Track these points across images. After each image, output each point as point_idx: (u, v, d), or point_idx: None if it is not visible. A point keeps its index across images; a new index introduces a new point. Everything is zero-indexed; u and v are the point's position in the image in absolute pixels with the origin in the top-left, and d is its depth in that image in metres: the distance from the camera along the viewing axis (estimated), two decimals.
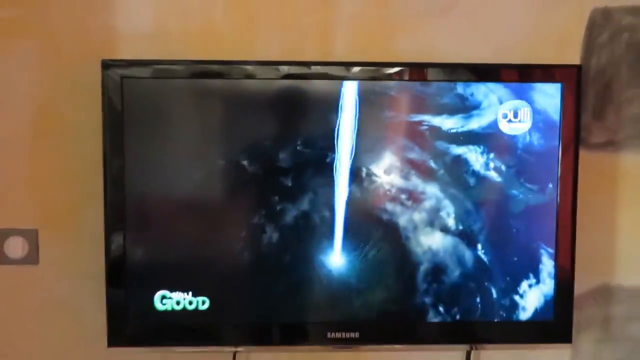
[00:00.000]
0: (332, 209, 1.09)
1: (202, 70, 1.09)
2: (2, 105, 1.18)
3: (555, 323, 1.16)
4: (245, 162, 1.09)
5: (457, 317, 1.14)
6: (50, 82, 1.18)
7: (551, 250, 1.15)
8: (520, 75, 1.12)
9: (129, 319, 1.12)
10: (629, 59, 1.23)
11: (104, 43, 1.16)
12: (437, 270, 1.12)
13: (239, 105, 1.10)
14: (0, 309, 1.23)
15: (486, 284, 1.14)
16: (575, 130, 1.13)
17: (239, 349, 1.17)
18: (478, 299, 1.14)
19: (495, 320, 1.16)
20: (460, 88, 1.09)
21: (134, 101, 1.08)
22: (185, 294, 1.12)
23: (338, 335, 1.13)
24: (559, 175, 1.13)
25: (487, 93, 1.09)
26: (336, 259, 1.11)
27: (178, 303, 1.12)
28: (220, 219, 1.13)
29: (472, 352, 1.23)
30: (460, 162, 1.10)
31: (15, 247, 1.23)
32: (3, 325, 1.23)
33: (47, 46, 1.18)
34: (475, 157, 1.10)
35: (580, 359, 1.28)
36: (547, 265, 1.15)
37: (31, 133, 1.20)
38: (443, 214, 1.11)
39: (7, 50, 1.17)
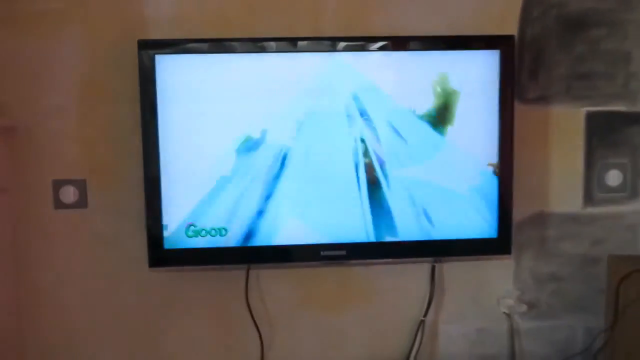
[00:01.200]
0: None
1: (218, 46, 1.38)
2: (56, 78, 1.47)
3: (499, 240, 1.47)
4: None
5: (423, 237, 1.46)
6: (94, 59, 1.47)
7: (495, 184, 1.46)
8: (467, 44, 1.42)
9: (164, 245, 1.42)
10: (557, 30, 1.54)
11: (136, 26, 1.45)
12: (406, 196, 1.43)
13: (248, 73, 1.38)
14: (58, 244, 1.53)
15: (444, 209, 1.45)
16: (511, 87, 1.44)
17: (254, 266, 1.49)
18: (438, 222, 1.45)
19: (454, 238, 1.47)
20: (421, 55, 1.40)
21: (163, 73, 1.37)
22: (212, 226, 1.42)
23: (329, 253, 1.45)
24: (499, 123, 1.43)
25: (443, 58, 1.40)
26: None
27: (203, 232, 1.42)
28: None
29: (436, 265, 1.56)
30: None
31: (68, 194, 1.53)
32: (61, 257, 1.53)
33: (89, 30, 1.46)
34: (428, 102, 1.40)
35: (521, 271, 1.61)
36: (493, 194, 1.46)
37: (79, 101, 1.48)
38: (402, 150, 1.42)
39: (58, 35, 1.45)
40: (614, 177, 1.59)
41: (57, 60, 1.46)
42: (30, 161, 1.50)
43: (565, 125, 1.58)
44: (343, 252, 1.45)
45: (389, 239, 1.45)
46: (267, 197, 1.42)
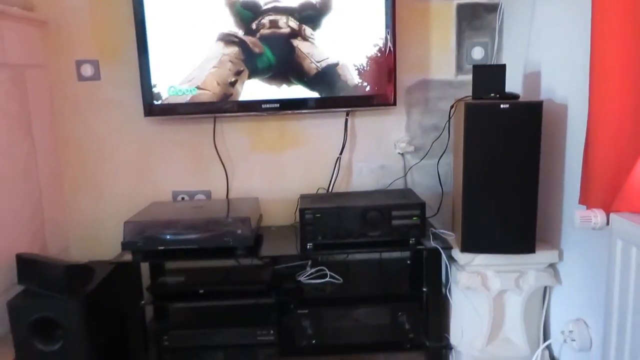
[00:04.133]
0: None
1: None
2: None
3: (393, 98, 2.08)
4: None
5: (336, 94, 2.07)
6: None
7: (386, 58, 2.05)
8: None
9: (154, 99, 2.07)
10: None
11: None
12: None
13: None
14: (81, 106, 2.19)
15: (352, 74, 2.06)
16: None
17: (217, 115, 2.13)
18: (347, 82, 2.06)
19: (360, 95, 2.08)
20: None
21: None
22: (186, 88, 2.05)
23: (268, 106, 2.08)
24: (388, 11, 2.02)
25: None
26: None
27: (178, 91, 2.06)
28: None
29: (349, 118, 2.19)
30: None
31: (87, 70, 2.17)
32: (83, 115, 2.19)
33: None
34: None
35: (411, 123, 2.23)
36: (381, 71, 2.06)
37: (91, 2, 2.10)
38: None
39: None
40: (477, 52, 2.18)
41: None
42: (59, 46, 2.14)
43: (441, 14, 2.16)
44: (277, 105, 2.08)
45: (311, 96, 2.07)
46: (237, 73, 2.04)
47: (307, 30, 2.03)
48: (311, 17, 2.03)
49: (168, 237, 1.85)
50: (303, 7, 2.02)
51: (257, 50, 2.05)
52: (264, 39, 2.04)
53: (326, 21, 2.03)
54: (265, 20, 2.03)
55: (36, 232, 2.00)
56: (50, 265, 1.69)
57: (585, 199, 1.41)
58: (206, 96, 2.07)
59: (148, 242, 1.84)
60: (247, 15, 2.03)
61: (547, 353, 1.86)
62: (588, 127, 1.38)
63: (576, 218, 1.34)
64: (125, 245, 1.84)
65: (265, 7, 2.02)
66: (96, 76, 2.18)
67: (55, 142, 2.19)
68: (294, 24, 2.03)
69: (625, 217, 1.24)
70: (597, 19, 1.31)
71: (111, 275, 1.85)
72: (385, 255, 2.28)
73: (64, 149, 2.21)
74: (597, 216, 1.31)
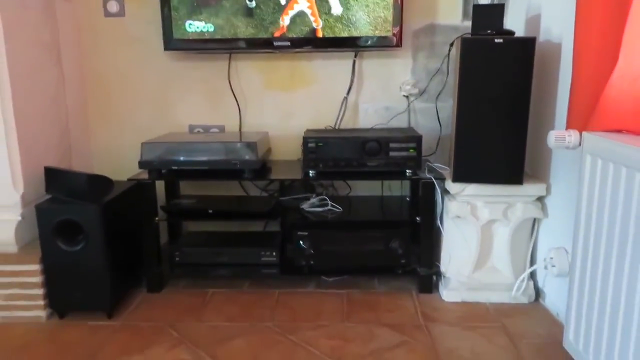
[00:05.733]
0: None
1: None
2: None
3: (399, 45, 2.18)
4: None
5: (347, 34, 2.18)
6: None
7: (390, 5, 2.14)
8: None
9: (173, 35, 2.21)
10: None
11: None
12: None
13: None
14: (107, 41, 2.34)
15: (360, 16, 2.16)
16: None
17: (233, 51, 2.26)
18: (357, 23, 2.16)
19: (368, 41, 2.18)
20: None
21: None
22: (204, 25, 2.18)
23: (280, 43, 2.20)
24: None
25: None
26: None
27: (197, 28, 2.19)
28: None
29: (357, 60, 2.29)
30: None
31: (112, 6, 2.32)
32: (109, 50, 2.35)
33: None
34: None
35: (417, 66, 2.32)
36: (387, 13, 2.14)
37: None
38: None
39: None
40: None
41: None
42: None
43: None
44: (288, 43, 2.20)
45: (319, 36, 2.18)
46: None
47: None
48: None
49: (181, 158, 2.00)
50: None
51: None
52: None
53: None
54: None
55: (63, 154, 2.18)
56: (74, 175, 1.86)
57: (568, 125, 1.50)
58: (222, 33, 2.20)
59: (163, 162, 2.00)
60: None
61: (531, 284, 1.97)
62: (573, 59, 1.46)
63: (551, 136, 1.44)
64: (142, 164, 2.01)
65: None
66: (121, 12, 2.32)
67: (82, 73, 2.36)
68: None
69: (595, 134, 1.33)
70: None
71: (129, 191, 2.02)
72: (387, 193, 2.41)
73: (90, 79, 2.37)
74: (572, 135, 1.41)
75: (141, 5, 2.30)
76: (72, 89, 2.27)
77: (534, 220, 1.95)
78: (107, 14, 2.32)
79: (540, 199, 1.91)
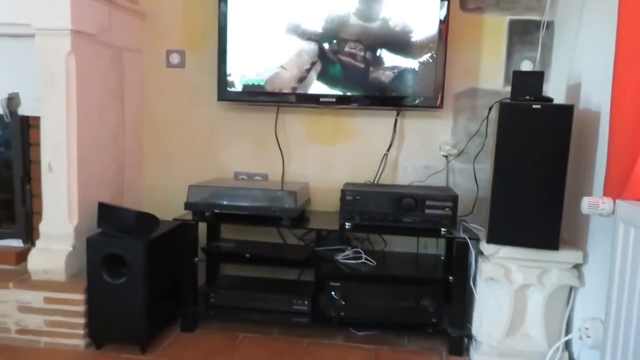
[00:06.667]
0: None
1: None
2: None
3: (440, 106, 2.26)
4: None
5: (390, 94, 2.27)
6: None
7: (433, 65, 2.23)
8: None
9: (228, 86, 2.36)
10: None
11: None
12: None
13: None
14: (168, 89, 2.53)
15: (405, 77, 2.26)
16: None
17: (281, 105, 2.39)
18: (400, 86, 2.26)
19: (411, 101, 2.27)
20: None
21: None
22: (256, 79, 2.33)
23: (325, 100, 2.31)
24: (441, 24, 2.21)
25: None
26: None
27: (249, 82, 2.34)
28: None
29: (398, 118, 2.37)
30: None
31: (174, 58, 2.51)
32: (169, 96, 2.53)
33: None
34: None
35: (457, 128, 2.38)
36: (430, 74, 2.24)
37: (184, 2, 2.46)
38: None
39: None
40: (526, 65, 2.30)
41: None
42: (154, 35, 2.50)
43: (494, 27, 2.31)
44: (333, 100, 2.31)
45: (365, 93, 2.28)
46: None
47: (378, 59, 2.26)
48: (383, 45, 2.25)
49: (224, 202, 2.10)
50: (379, 42, 2.26)
51: (331, 57, 2.28)
52: (339, 57, 2.28)
53: (391, 44, 2.25)
54: (346, 48, 2.27)
55: (117, 190, 2.33)
56: (123, 211, 1.99)
57: (605, 192, 1.51)
58: (272, 87, 2.34)
59: (207, 205, 2.10)
60: (330, 31, 2.28)
61: (566, 355, 1.91)
62: (609, 127, 1.49)
63: (584, 203, 1.44)
64: (187, 206, 2.12)
65: (346, 37, 2.27)
66: (182, 64, 2.51)
67: (141, 116, 2.54)
68: (369, 55, 2.26)
69: (628, 202, 1.34)
70: (621, 43, 1.45)
71: (173, 231, 2.12)
72: (422, 251, 2.42)
73: (148, 122, 2.55)
74: (605, 202, 1.41)
75: (200, 58, 2.48)
76: (131, 130, 2.44)
77: (571, 287, 1.92)
78: (169, 64, 2.52)
79: (577, 266, 1.89)
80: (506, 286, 1.92)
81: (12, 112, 2.12)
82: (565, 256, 1.86)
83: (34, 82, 1.99)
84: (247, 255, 2.15)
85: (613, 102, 1.47)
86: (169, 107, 2.54)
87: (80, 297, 1.95)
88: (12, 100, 2.12)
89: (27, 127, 2.17)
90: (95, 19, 2.08)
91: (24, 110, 2.13)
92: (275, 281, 2.32)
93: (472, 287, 2.01)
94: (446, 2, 2.19)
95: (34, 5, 1.92)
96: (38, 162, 2.05)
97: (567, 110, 1.76)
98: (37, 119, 2.04)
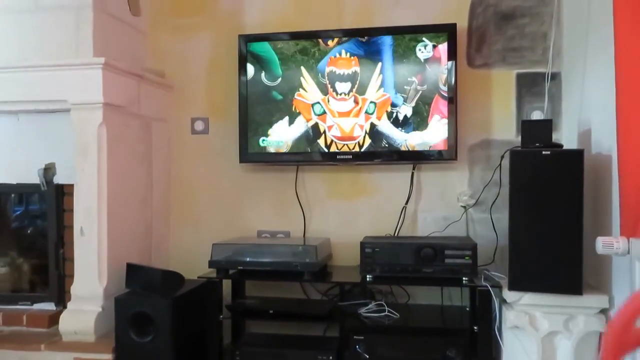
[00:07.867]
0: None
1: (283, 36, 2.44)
2: (195, 59, 2.64)
3: (454, 158, 2.32)
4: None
5: (405, 148, 2.35)
6: (216, 49, 2.62)
7: (445, 120, 2.32)
8: (427, 29, 2.34)
9: (248, 149, 2.48)
10: (494, 20, 2.39)
11: (239, 28, 2.57)
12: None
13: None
14: (193, 154, 2.66)
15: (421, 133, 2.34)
16: (455, 54, 2.31)
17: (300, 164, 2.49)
18: (416, 139, 2.34)
19: (426, 155, 2.34)
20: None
21: (252, 52, 2.45)
22: (272, 138, 2.45)
23: (342, 157, 2.40)
24: (447, 79, 2.31)
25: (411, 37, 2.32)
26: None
27: (269, 144, 2.46)
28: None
29: (415, 171, 2.44)
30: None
31: (199, 125, 2.66)
32: (194, 161, 2.66)
33: (214, 32, 2.62)
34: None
35: (474, 178, 2.42)
36: (443, 129, 2.32)
37: (207, 72, 2.63)
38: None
39: (197, 36, 2.63)
40: (537, 115, 2.36)
41: (196, 50, 2.64)
42: (179, 105, 2.67)
43: (502, 81, 2.40)
44: (350, 157, 2.40)
45: (381, 149, 2.37)
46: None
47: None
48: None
49: (247, 259, 2.16)
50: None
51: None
52: None
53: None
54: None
55: (145, 250, 2.42)
56: (150, 270, 2.06)
57: (621, 232, 1.52)
58: (291, 148, 2.44)
59: (230, 262, 2.16)
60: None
61: None
62: (618, 170, 1.53)
63: (598, 243, 1.45)
64: (211, 264, 2.18)
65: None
66: (205, 130, 2.66)
67: (168, 179, 2.66)
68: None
69: None
70: (620, 91, 1.52)
71: (199, 288, 2.17)
72: (447, 302, 2.40)
73: (174, 185, 2.67)
74: (619, 242, 1.42)
75: (223, 124, 2.62)
76: (159, 193, 2.56)
77: (600, 333, 1.87)
78: (194, 131, 2.66)
79: (603, 311, 1.85)
80: (532, 334, 1.89)
81: (49, 181, 2.27)
82: (591, 301, 1.83)
83: (68, 152, 2.14)
84: (271, 311, 2.17)
85: (619, 146, 1.52)
86: (194, 171, 2.66)
87: (108, 356, 2.00)
88: (49, 170, 2.27)
89: (62, 195, 2.30)
90: (125, 92, 2.25)
91: (58, 178, 2.27)
92: (301, 337, 2.33)
93: (498, 336, 1.98)
94: (453, 62, 2.30)
95: (70, 83, 2.10)
96: (71, 227, 2.16)
97: (577, 155, 1.79)
98: (71, 186, 2.17)
